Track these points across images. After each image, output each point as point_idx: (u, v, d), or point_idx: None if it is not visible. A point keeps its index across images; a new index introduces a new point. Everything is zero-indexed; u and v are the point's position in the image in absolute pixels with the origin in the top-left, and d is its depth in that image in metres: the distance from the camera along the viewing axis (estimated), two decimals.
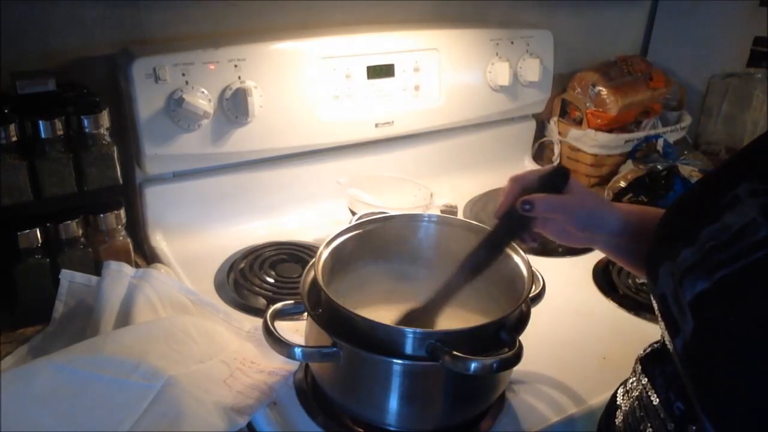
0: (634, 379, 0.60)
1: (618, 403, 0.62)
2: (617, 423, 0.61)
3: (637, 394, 0.58)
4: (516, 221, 0.67)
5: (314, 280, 0.69)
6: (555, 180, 0.67)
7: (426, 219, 0.82)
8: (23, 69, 0.87)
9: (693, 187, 0.58)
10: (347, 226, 0.79)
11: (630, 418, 0.58)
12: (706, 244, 0.47)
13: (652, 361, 0.58)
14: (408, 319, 0.70)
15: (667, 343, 0.51)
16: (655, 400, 0.54)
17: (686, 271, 0.47)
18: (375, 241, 0.80)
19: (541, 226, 0.69)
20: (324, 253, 0.73)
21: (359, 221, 0.80)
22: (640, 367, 0.59)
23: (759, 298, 0.42)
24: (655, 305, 0.54)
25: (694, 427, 0.49)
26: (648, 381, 0.57)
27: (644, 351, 0.61)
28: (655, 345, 0.60)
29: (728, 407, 0.43)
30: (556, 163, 0.72)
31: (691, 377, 0.47)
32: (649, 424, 0.55)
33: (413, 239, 0.82)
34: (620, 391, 0.63)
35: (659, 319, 0.53)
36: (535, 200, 0.65)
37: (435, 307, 0.70)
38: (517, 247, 0.76)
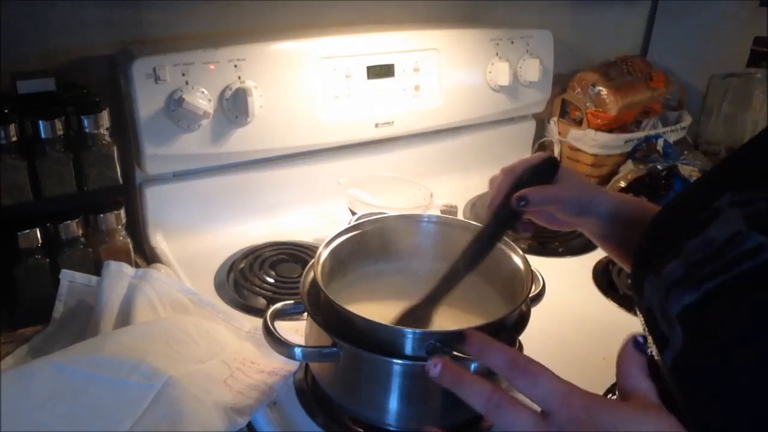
0: None
1: None
2: None
3: None
4: (509, 213, 0.69)
5: (314, 280, 0.69)
6: (546, 171, 0.69)
7: (426, 219, 0.82)
8: (23, 69, 0.87)
9: (672, 200, 0.57)
10: (347, 226, 0.79)
11: None
12: (691, 257, 0.46)
13: None
14: (407, 316, 0.69)
15: (656, 357, 0.50)
16: None
17: (673, 284, 0.47)
18: (375, 242, 0.80)
19: (531, 215, 0.71)
20: (324, 253, 0.73)
21: (359, 221, 0.80)
22: None
23: (747, 309, 0.41)
24: (640, 319, 0.53)
25: None
26: None
27: None
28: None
29: (716, 423, 0.42)
30: (543, 153, 0.73)
31: (680, 389, 0.46)
32: None
33: (413, 240, 0.82)
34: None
35: (646, 333, 0.51)
36: (530, 195, 0.66)
37: (433, 303, 0.70)
38: (516, 247, 0.76)
